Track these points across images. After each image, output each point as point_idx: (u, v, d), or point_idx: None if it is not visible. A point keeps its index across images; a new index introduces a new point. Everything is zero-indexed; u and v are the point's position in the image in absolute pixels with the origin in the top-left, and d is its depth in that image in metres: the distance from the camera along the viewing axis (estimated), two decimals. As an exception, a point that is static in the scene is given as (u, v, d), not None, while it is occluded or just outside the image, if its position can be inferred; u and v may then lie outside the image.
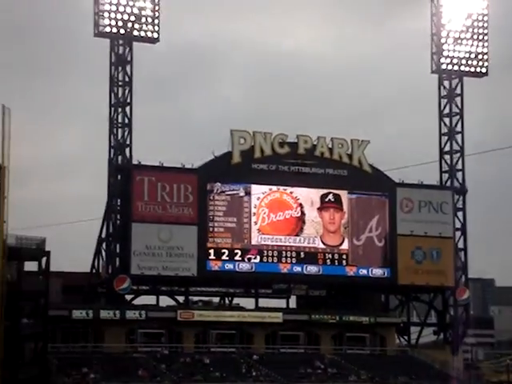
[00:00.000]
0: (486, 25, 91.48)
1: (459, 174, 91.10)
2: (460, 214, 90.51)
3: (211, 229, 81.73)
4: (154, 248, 79.36)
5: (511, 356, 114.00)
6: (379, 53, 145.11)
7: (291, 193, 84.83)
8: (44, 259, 67.49)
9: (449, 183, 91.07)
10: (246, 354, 79.69)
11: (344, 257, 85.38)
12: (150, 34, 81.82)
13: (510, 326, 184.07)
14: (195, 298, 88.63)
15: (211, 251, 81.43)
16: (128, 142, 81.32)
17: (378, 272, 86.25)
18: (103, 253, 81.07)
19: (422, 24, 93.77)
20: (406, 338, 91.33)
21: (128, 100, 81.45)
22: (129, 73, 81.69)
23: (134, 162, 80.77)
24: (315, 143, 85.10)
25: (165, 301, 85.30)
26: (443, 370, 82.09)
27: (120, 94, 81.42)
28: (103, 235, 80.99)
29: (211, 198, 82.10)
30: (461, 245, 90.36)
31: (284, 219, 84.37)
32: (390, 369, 78.67)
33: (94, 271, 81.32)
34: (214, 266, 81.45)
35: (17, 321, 61.65)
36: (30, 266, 67.40)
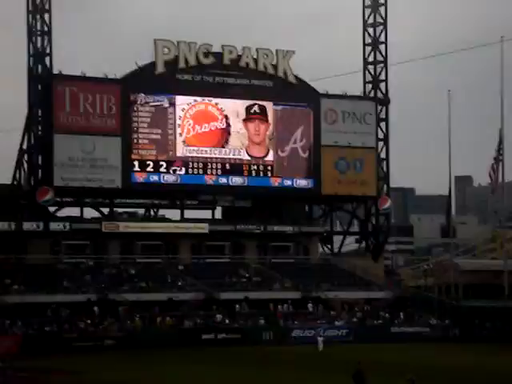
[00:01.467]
0: None
1: (382, 85, 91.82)
2: (383, 124, 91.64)
3: (135, 140, 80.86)
4: (77, 159, 78.23)
5: (428, 262, 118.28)
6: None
7: (216, 104, 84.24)
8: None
9: (372, 94, 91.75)
10: (171, 264, 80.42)
11: (269, 168, 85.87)
12: None
13: (428, 233, 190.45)
14: (120, 210, 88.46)
15: (136, 163, 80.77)
16: (48, 51, 78.96)
17: (302, 183, 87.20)
18: (25, 164, 79.64)
19: None
20: (329, 246, 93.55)
21: (46, 7, 78.67)
22: (47, -22, 78.66)
23: (55, 71, 78.65)
24: (240, 53, 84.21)
25: (90, 213, 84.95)
26: (364, 276, 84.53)
27: (38, 1, 78.51)
28: (24, 146, 79.38)
29: (135, 109, 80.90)
30: (383, 155, 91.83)
31: (209, 131, 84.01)
32: (313, 277, 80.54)
33: (15, 183, 79.98)
34: (139, 177, 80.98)
35: None
36: None
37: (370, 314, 76.65)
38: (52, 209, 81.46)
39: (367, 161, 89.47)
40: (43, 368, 50.22)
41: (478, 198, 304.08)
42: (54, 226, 77.20)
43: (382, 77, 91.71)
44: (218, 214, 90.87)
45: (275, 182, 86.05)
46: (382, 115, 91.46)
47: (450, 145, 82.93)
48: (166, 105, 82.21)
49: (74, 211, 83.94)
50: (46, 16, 78.69)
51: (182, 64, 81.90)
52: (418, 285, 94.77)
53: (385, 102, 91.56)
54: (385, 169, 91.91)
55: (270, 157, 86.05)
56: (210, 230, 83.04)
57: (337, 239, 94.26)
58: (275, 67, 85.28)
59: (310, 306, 75.75)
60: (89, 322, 66.74)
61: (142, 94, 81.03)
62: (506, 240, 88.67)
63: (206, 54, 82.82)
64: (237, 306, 73.59)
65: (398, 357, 57.96)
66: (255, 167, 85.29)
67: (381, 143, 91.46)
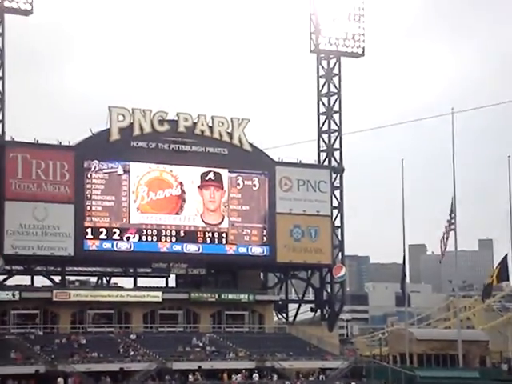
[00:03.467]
0: (362, 6, 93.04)
1: (337, 153, 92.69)
2: (337, 192, 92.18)
3: (88, 207, 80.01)
4: (28, 227, 77.02)
5: (383, 330, 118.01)
6: (257, 31, 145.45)
7: (171, 171, 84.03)
8: None
9: (326, 162, 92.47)
10: (123, 334, 78.77)
11: (224, 235, 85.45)
12: (22, 6, 78.87)
13: (382, 302, 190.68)
14: (72, 278, 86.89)
15: (88, 230, 79.77)
16: (0, 118, 78.35)
17: (257, 250, 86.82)
18: (-26, 232, 78.03)
19: (300, 3, 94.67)
20: (284, 315, 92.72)
21: (0, 73, 78.37)
22: (1, 45, 78.51)
23: (7, 138, 77.94)
24: (195, 121, 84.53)
25: (40, 281, 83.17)
26: (320, 346, 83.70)
27: (-8, 67, 78.20)
28: (-26, 214, 77.91)
29: (88, 176, 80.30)
30: (338, 223, 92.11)
31: (164, 198, 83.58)
32: (268, 346, 79.46)
33: (-36, 251, 78.16)
34: (92, 245, 79.87)
35: None
36: None
37: (325, 383, 75.58)
38: (1, 277, 79.64)
39: (322, 228, 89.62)
40: None
41: (432, 266, 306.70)
42: (2, 294, 75.44)
43: (337, 145, 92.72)
44: (172, 281, 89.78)
45: (230, 249, 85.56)
46: (337, 183, 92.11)
47: (404, 213, 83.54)
48: (121, 172, 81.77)
49: (24, 280, 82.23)
50: (-1, 82, 78.30)
51: (136, 131, 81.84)
52: (372, 354, 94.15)
53: (339, 170, 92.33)
54: (339, 237, 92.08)
55: (225, 224, 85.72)
56: (164, 299, 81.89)
57: (292, 307, 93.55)
58: (230, 135, 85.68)
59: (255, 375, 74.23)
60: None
61: (96, 161, 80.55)
62: (460, 309, 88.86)
63: (161, 122, 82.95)
64: (190, 376, 72.05)
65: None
66: (210, 234, 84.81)
67: (335, 211, 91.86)
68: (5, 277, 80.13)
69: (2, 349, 70.47)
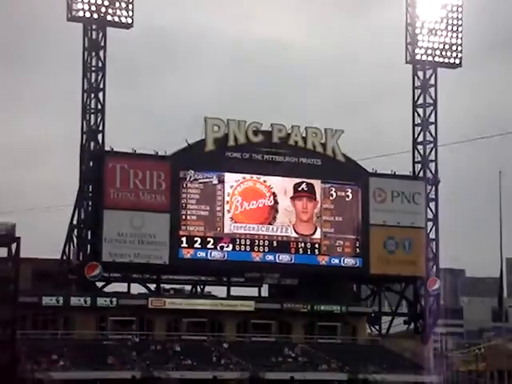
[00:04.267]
0: (460, 16, 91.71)
1: (432, 165, 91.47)
2: (432, 204, 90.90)
3: (184, 216, 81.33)
4: (125, 235, 78.82)
5: (480, 346, 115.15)
6: (354, 43, 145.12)
7: (264, 181, 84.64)
8: (14, 245, 66.80)
9: (421, 174, 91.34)
10: (216, 342, 79.56)
11: (316, 246, 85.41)
12: (123, 19, 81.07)
13: (478, 316, 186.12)
14: (167, 286, 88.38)
15: (183, 239, 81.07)
16: (101, 128, 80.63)
17: (349, 262, 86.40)
18: (74, 239, 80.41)
19: (396, 14, 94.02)
20: (377, 327, 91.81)
21: (101, 86, 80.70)
22: (102, 58, 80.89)
23: (107, 148, 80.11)
24: (289, 132, 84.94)
25: (136, 288, 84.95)
26: (413, 359, 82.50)
27: (93, 80, 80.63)
28: (75, 222, 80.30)
29: (184, 185, 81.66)
30: (432, 235, 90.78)
31: (257, 208, 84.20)
32: (360, 358, 78.83)
33: (64, 258, 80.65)
34: (186, 253, 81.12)
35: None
36: (0, 252, 66.71)
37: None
38: (99, 284, 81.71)
39: (416, 241, 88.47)
40: None
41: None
42: (100, 301, 77.26)
43: (432, 157, 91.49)
44: (265, 291, 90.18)
45: (322, 260, 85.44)
46: (432, 195, 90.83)
47: (502, 226, 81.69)
48: (215, 182, 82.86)
49: (121, 287, 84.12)
50: (100, 94, 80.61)
51: (231, 142, 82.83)
52: (469, 369, 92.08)
53: (434, 182, 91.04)
54: (434, 249, 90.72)
55: (318, 234, 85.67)
56: (256, 308, 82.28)
57: (385, 320, 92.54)
58: (324, 146, 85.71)
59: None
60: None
61: (192, 171, 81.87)
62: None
63: (256, 133, 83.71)
64: (283, 386, 72.22)
65: None
66: (302, 245, 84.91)
67: (430, 223, 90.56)
68: (103, 284, 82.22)
69: (99, 354, 72.26)
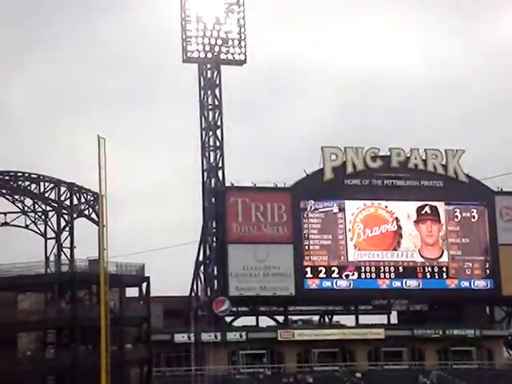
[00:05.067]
0: None
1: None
2: None
3: (307, 247, 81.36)
4: (250, 268, 79.50)
5: None
6: (474, 57, 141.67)
7: (386, 207, 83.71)
8: (144, 285, 68.39)
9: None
10: (349, 372, 78.71)
11: (444, 269, 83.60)
12: (237, 57, 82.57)
13: None
14: (294, 318, 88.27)
15: (308, 269, 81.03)
16: (220, 165, 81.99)
17: (480, 284, 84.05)
18: (201, 276, 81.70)
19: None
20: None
21: (218, 123, 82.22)
22: (218, 96, 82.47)
23: (227, 183, 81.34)
24: (408, 155, 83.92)
25: (264, 321, 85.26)
26: (556, 382, 78.93)
27: (211, 118, 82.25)
28: (200, 258, 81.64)
29: (305, 215, 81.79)
30: None
31: (380, 234, 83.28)
32: (499, 383, 76.11)
33: (193, 294, 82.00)
34: (312, 284, 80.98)
35: (121, 346, 62.58)
36: (131, 292, 68.37)
37: None
38: (228, 319, 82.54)
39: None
40: None
41: None
42: (230, 335, 77.98)
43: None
44: (394, 318, 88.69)
45: (452, 283, 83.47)
46: None
47: None
48: (336, 210, 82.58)
49: (249, 321, 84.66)
50: (218, 131, 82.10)
51: (349, 169, 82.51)
52: None
53: None
54: None
55: (445, 258, 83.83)
56: (387, 336, 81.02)
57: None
58: (445, 167, 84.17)
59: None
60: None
61: (312, 201, 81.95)
62: None
63: (374, 158, 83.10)
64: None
65: None
66: (430, 269, 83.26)
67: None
68: (232, 318, 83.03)
69: (233, 388, 72.75)
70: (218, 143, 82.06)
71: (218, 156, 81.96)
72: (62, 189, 66.65)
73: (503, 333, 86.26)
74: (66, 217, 66.80)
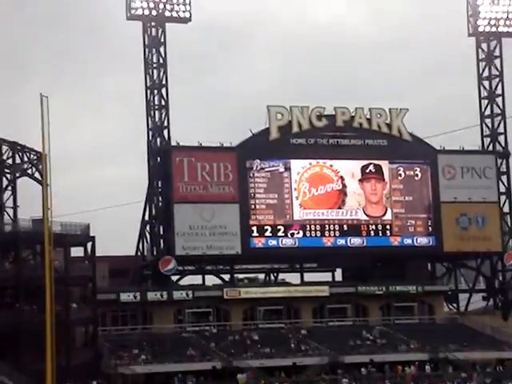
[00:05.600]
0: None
1: (501, 138, 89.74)
2: (504, 177, 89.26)
3: (253, 206, 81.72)
4: (197, 228, 79.62)
5: None
6: (414, 19, 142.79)
7: (331, 166, 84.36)
8: (89, 244, 68.17)
9: (491, 147, 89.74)
10: (294, 329, 79.83)
11: (388, 227, 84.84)
12: (181, 14, 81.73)
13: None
14: (240, 276, 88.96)
15: (254, 228, 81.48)
16: (166, 124, 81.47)
17: (423, 241, 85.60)
18: (147, 235, 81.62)
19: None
20: (454, 305, 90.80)
21: (163, 81, 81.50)
22: (163, 54, 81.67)
23: (173, 143, 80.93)
24: (353, 114, 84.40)
25: (211, 280, 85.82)
26: (495, 335, 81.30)
27: (155, 76, 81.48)
28: (146, 217, 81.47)
29: (251, 175, 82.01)
30: (506, 209, 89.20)
31: (325, 193, 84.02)
32: (440, 337, 78.05)
33: (139, 254, 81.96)
34: (258, 242, 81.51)
35: (67, 306, 62.43)
36: (76, 251, 68.11)
37: (504, 375, 73.33)
38: (175, 278, 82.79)
39: (490, 216, 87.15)
40: None
41: None
42: (177, 294, 78.27)
43: (501, 130, 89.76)
44: (339, 276, 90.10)
45: (395, 240, 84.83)
46: (503, 168, 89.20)
47: None
48: (282, 169, 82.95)
49: (195, 279, 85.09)
50: (163, 90, 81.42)
51: (295, 128, 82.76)
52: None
53: (505, 155, 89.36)
54: (509, 223, 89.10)
55: (389, 216, 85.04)
56: (331, 293, 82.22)
57: (462, 297, 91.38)
58: (389, 126, 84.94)
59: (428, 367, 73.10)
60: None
61: (258, 161, 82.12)
62: None
63: (319, 117, 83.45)
64: (362, 369, 72.07)
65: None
66: (373, 227, 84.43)
67: (503, 197, 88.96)
68: (178, 277, 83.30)
69: (179, 346, 73.29)
70: (163, 102, 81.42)
71: (164, 115, 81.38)
72: (4, 148, 65.69)
73: (444, 288, 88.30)
74: (8, 176, 65.97)
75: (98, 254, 69.28)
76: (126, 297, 76.40)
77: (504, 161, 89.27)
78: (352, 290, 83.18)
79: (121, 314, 77.24)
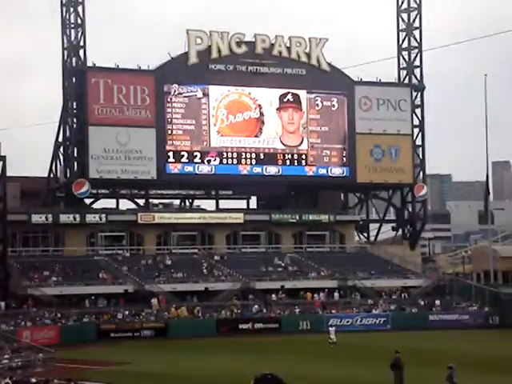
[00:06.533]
0: None
1: (417, 71, 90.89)
2: (418, 110, 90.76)
3: (169, 131, 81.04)
4: (112, 151, 78.61)
5: (466, 248, 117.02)
6: None
7: (250, 93, 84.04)
8: (0, 164, 66.64)
9: (407, 80, 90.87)
10: (207, 255, 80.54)
11: (303, 157, 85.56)
12: None
13: (465, 220, 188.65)
14: (155, 201, 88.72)
15: (170, 154, 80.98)
16: (82, 44, 79.35)
17: (337, 171, 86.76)
18: (61, 157, 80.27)
19: None
20: (365, 235, 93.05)
21: (80, -1, 79.06)
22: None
23: (89, 63, 79.05)
24: (273, 42, 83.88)
25: (125, 204, 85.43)
26: (402, 264, 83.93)
27: (71, -6, 78.84)
28: (60, 139, 79.97)
29: (169, 99, 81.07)
30: (419, 142, 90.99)
31: (243, 120, 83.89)
32: (349, 265, 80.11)
33: (52, 176, 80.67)
34: (174, 168, 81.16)
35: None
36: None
37: (407, 301, 76.10)
38: (88, 201, 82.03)
39: (403, 148, 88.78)
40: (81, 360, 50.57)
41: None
42: (90, 217, 77.71)
43: (417, 63, 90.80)
44: (253, 203, 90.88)
45: (310, 170, 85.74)
46: (417, 101, 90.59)
47: (487, 130, 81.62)
48: (200, 95, 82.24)
49: (109, 203, 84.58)
50: (80, 8, 79.07)
51: (214, 54, 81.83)
52: (456, 272, 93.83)
53: (419, 88, 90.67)
54: (421, 156, 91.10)
55: (305, 145, 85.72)
56: (245, 220, 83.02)
57: (373, 227, 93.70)
58: (308, 55, 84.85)
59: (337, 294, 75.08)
60: (126, 312, 66.97)
61: (176, 85, 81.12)
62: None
63: (239, 44, 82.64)
64: (273, 295, 73.50)
65: (436, 345, 57.40)
66: (289, 156, 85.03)
67: (416, 130, 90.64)
68: (91, 200, 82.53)
69: (91, 269, 73.15)
70: (79, 20, 79.12)
71: (80, 34, 79.19)
72: None
73: (355, 218, 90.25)
74: None
75: (8, 174, 67.87)
76: (37, 218, 75.43)
77: (419, 94, 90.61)
78: (266, 218, 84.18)
79: (32, 235, 76.42)
